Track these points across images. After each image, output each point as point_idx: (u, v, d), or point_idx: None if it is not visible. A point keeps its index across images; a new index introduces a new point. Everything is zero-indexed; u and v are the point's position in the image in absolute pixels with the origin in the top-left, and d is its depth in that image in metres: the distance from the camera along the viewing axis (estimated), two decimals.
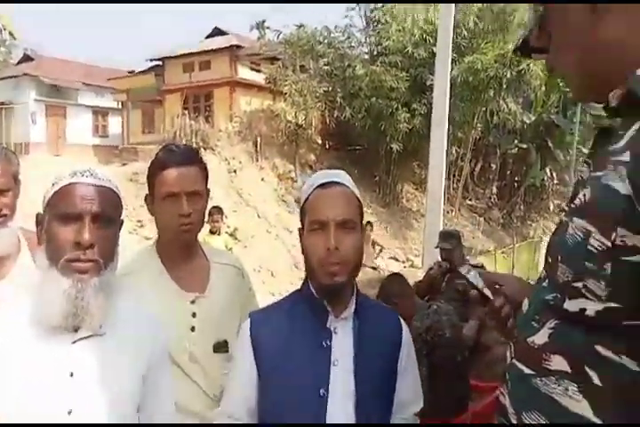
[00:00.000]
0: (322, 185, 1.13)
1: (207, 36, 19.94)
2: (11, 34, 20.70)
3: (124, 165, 14.49)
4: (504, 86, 13.92)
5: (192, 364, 1.40)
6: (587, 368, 0.77)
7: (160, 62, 19.55)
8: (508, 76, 13.37)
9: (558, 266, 0.81)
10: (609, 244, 0.73)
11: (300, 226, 1.19)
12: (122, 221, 1.13)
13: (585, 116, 15.86)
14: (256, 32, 16.85)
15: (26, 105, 20.93)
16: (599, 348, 0.76)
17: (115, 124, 23.04)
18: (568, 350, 0.79)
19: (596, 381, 0.76)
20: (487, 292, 1.05)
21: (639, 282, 0.71)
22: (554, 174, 17.65)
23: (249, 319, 1.19)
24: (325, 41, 15.27)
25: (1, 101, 20.93)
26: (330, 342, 1.12)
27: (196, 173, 1.45)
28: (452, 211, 15.10)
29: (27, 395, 0.97)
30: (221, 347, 1.45)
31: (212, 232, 5.62)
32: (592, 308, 0.76)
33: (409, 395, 1.22)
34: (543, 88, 15.43)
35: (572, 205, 0.84)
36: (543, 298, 0.86)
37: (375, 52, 15.49)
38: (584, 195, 0.80)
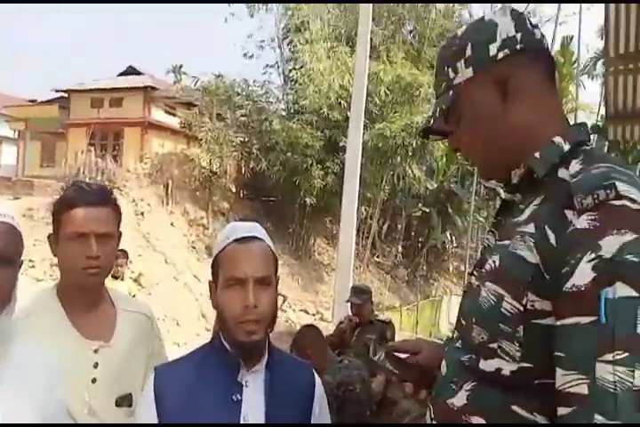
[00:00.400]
0: (239, 239, 1.10)
1: (120, 74, 19.66)
2: None
3: (16, 198, 13.37)
4: (410, 154, 14.90)
5: (90, 418, 1.28)
6: None
7: (66, 94, 18.81)
8: (414, 144, 14.39)
9: (473, 328, 0.85)
10: (521, 308, 0.78)
11: (210, 278, 1.15)
12: (21, 262, 1.06)
13: (480, 187, 17.46)
14: (172, 76, 16.95)
15: None
16: (515, 407, 0.79)
17: (9, 154, 21.42)
18: (486, 412, 0.82)
19: None
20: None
21: (548, 343, 0.76)
22: (453, 238, 18.97)
23: (153, 374, 1.12)
24: (244, 93, 15.59)
25: None
26: (240, 395, 1.08)
27: (108, 215, 1.37)
28: (360, 266, 15.48)
29: None
30: (124, 401, 1.33)
31: (114, 277, 5.26)
32: (507, 368, 0.79)
33: None
34: (444, 159, 16.85)
35: (483, 270, 0.90)
36: (459, 359, 0.89)
37: (292, 110, 16.08)
38: (494, 261, 0.86)
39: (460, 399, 0.86)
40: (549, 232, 0.78)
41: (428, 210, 17.25)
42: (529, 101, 0.89)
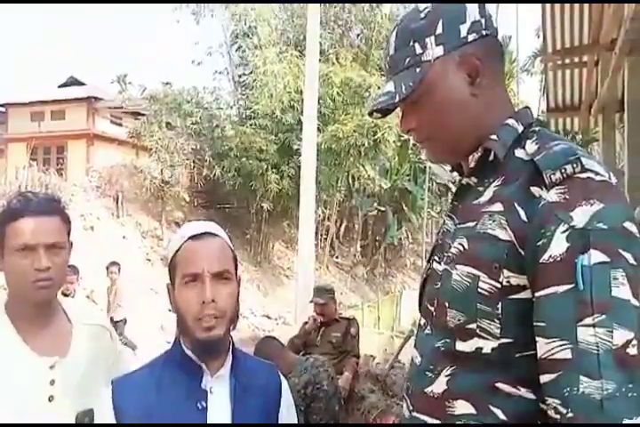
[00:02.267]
0: (194, 236, 1.07)
1: (61, 85, 19.00)
2: None
3: None
4: (362, 154, 15.10)
5: None
6: (490, 406, 0.80)
7: (2, 109, 18.01)
8: (366, 144, 14.60)
9: (447, 311, 0.85)
10: (498, 285, 0.80)
11: (167, 282, 1.11)
12: None
13: (432, 184, 17.88)
14: (117, 85, 16.54)
15: None
16: (499, 384, 0.80)
17: None
18: (470, 393, 0.82)
19: (502, 416, 0.80)
20: None
21: (526, 316, 0.78)
22: (409, 234, 19.34)
23: (110, 386, 1.07)
24: (193, 100, 15.35)
25: None
26: (205, 403, 1.04)
27: (56, 224, 1.30)
28: (320, 268, 15.52)
29: None
30: (85, 417, 1.26)
31: (64, 295, 5.06)
32: (487, 346, 0.81)
33: None
34: (396, 157, 17.17)
35: (448, 255, 0.90)
36: (432, 346, 0.89)
37: (244, 115, 15.99)
38: (460, 244, 0.87)
39: (439, 386, 0.86)
40: (519, 209, 0.80)
41: (383, 209, 17.53)
42: (490, 86, 0.91)
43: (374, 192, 17.07)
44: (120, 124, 16.82)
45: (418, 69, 0.90)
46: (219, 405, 1.05)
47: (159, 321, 10.31)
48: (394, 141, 15.58)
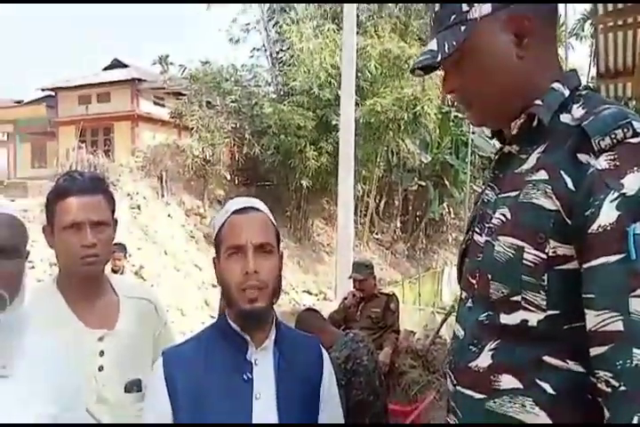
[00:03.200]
0: (237, 211, 1.11)
1: (105, 68, 19.41)
2: None
3: (11, 201, 13.33)
4: (402, 128, 14.80)
5: (100, 406, 1.29)
6: (538, 380, 0.78)
7: (52, 93, 18.60)
8: (406, 118, 14.28)
9: (490, 284, 0.83)
10: (544, 256, 0.77)
11: (214, 256, 1.15)
12: (28, 252, 1.05)
13: (474, 157, 17.39)
14: (158, 66, 16.73)
15: None
16: (546, 358, 0.78)
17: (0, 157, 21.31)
18: (516, 367, 0.80)
19: (550, 390, 0.77)
20: None
21: (573, 287, 0.76)
22: (451, 210, 19.00)
23: (161, 357, 1.12)
24: (232, 78, 15.40)
25: None
26: (251, 374, 1.07)
27: (101, 202, 1.35)
28: (360, 244, 15.54)
29: None
30: (133, 386, 1.34)
31: (114, 271, 5.24)
32: (534, 318, 0.78)
33: (332, 415, 1.20)
34: (437, 131, 16.76)
35: (490, 225, 0.87)
36: (475, 319, 0.87)
37: (282, 92, 15.93)
38: (502, 214, 0.85)
39: (484, 360, 0.84)
40: (565, 177, 0.77)
41: (424, 183, 17.21)
42: (539, 47, 0.87)
43: (414, 167, 16.75)
44: (163, 105, 17.11)
45: (463, 28, 0.86)
46: (263, 376, 1.09)
47: (203, 296, 10.66)
48: (435, 114, 15.17)
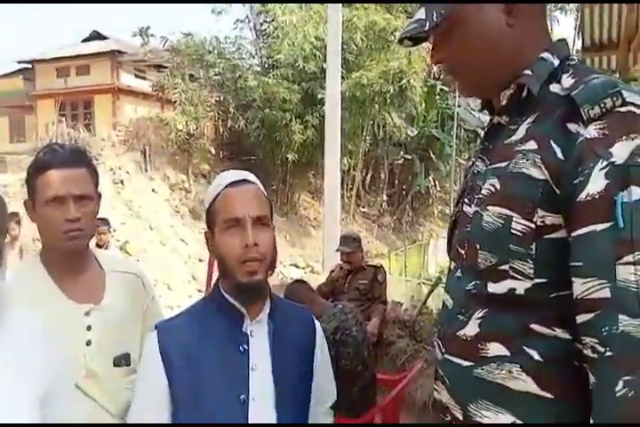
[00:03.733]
0: (232, 184, 1.10)
1: (84, 40, 18.80)
2: None
3: None
4: (388, 101, 14.68)
5: (89, 380, 1.28)
6: (525, 348, 0.80)
7: (29, 65, 18.02)
8: (392, 91, 14.15)
9: (478, 253, 0.84)
10: (532, 225, 0.78)
11: (206, 230, 1.15)
12: (7, 228, 1.02)
13: (460, 130, 17.39)
14: (139, 38, 16.24)
15: None
16: (533, 325, 0.79)
17: None
18: (503, 335, 0.81)
19: (537, 357, 0.79)
20: None
21: (559, 256, 0.76)
22: (436, 183, 19.10)
23: (155, 331, 1.11)
24: (215, 51, 15.03)
25: None
26: (247, 346, 1.09)
27: (83, 175, 1.31)
28: (346, 218, 15.61)
29: None
30: (122, 360, 1.33)
31: (98, 246, 5.17)
32: (521, 287, 0.80)
33: (325, 390, 1.23)
34: (423, 104, 16.65)
35: (479, 196, 0.87)
36: (463, 289, 0.88)
37: (266, 65, 15.61)
38: (492, 185, 0.85)
39: (471, 329, 0.86)
40: (555, 146, 0.77)
41: (410, 157, 17.24)
42: (528, 16, 0.86)
43: (400, 140, 16.71)
44: (144, 78, 16.70)
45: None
46: (259, 348, 1.10)
47: (190, 271, 10.68)
48: (421, 87, 15.06)
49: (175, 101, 13.85)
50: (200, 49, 14.72)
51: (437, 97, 17.11)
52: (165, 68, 14.72)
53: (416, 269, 12.16)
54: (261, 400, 1.07)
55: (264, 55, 15.81)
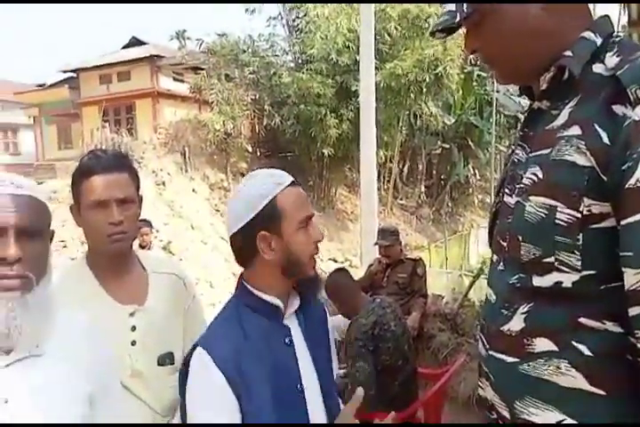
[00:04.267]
0: (292, 183, 1.15)
1: (124, 47, 19.32)
2: None
3: (40, 183, 13.62)
4: (424, 90, 14.42)
5: (135, 379, 1.33)
6: (574, 342, 0.77)
7: (74, 74, 18.69)
8: (427, 80, 13.90)
9: (520, 246, 0.81)
10: (578, 215, 0.75)
11: (262, 229, 1.12)
12: (52, 232, 1.06)
13: (500, 116, 16.90)
14: (176, 42, 16.55)
15: None
16: (582, 319, 0.76)
17: (27, 140, 21.74)
18: (550, 330, 0.79)
19: (587, 352, 0.76)
20: None
21: (609, 246, 0.73)
22: (476, 171, 18.68)
23: (199, 348, 1.06)
24: (249, 49, 15.20)
25: None
26: (290, 337, 1.12)
27: (125, 179, 1.36)
28: (384, 210, 15.50)
29: None
30: (166, 359, 1.38)
31: (142, 247, 5.29)
32: (568, 280, 0.76)
33: (336, 367, 1.28)
34: (460, 91, 16.28)
35: (520, 186, 0.84)
36: (506, 282, 0.85)
37: (300, 60, 15.63)
38: (534, 174, 0.81)
39: (516, 324, 0.83)
40: (600, 131, 0.73)
41: (448, 146, 16.90)
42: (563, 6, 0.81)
43: (437, 129, 16.40)
44: (182, 81, 17.03)
45: None
46: (298, 339, 1.13)
47: (230, 268, 10.84)
48: (457, 74, 14.72)
49: (212, 102, 14.07)
50: (235, 49, 14.90)
51: (475, 83, 16.68)
52: (202, 69, 14.97)
53: (457, 260, 11.94)
54: (311, 389, 1.11)
55: (297, 51, 15.84)
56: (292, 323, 1.14)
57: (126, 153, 1.53)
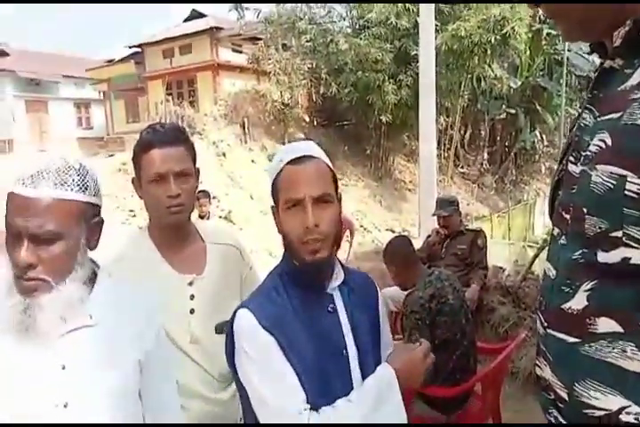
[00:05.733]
0: (292, 161, 1.08)
1: (185, 20, 19.53)
2: None
3: (110, 156, 14.31)
4: (488, 52, 13.71)
5: (193, 346, 1.39)
6: None
7: (139, 49, 19.18)
8: (492, 41, 13.18)
9: (585, 218, 0.75)
10: None
11: (272, 205, 1.14)
12: (98, 221, 1.05)
13: (570, 77, 15.79)
14: (234, 13, 16.53)
15: (4, 102, 20.56)
16: None
17: (98, 115, 22.77)
18: (615, 310, 0.74)
19: None
20: None
21: None
22: (543, 137, 17.71)
23: (245, 309, 1.08)
24: (306, 17, 14.97)
25: None
26: (334, 305, 1.13)
27: (182, 153, 1.39)
28: (444, 179, 15.11)
29: (18, 392, 0.96)
30: (223, 327, 1.39)
31: (200, 217, 5.45)
32: (637, 256, 0.71)
33: (388, 343, 1.27)
34: (528, 52, 15.30)
35: (586, 153, 0.78)
36: (568, 258, 0.80)
37: (357, 26, 15.23)
38: (601, 140, 0.75)
39: (578, 302, 0.78)
40: None
41: (513, 111, 16.03)
42: None
43: (502, 93, 15.56)
44: (240, 52, 17.09)
45: None
46: (340, 309, 1.14)
47: None
48: (525, 33, 13.79)
49: (270, 72, 14.05)
50: (291, 17, 14.71)
51: (544, 42, 15.60)
52: (260, 39, 14.93)
53: (521, 231, 11.50)
54: (352, 354, 1.13)
55: (355, 16, 15.42)
56: (335, 293, 1.15)
57: (183, 127, 1.57)
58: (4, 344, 0.97)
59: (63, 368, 0.98)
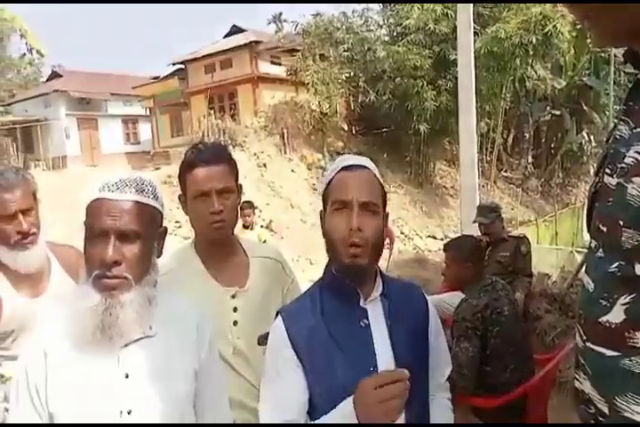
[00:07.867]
0: (346, 167, 1.13)
1: (225, 35, 20.06)
2: (38, 52, 21.43)
3: (156, 169, 14.81)
4: (530, 53, 13.40)
5: (236, 357, 1.43)
6: None
7: (182, 65, 19.83)
8: (534, 41, 12.87)
9: (622, 231, 0.75)
10: None
11: (321, 210, 1.19)
12: (164, 230, 1.13)
13: (619, 75, 15.20)
14: (273, 26, 16.86)
15: (58, 120, 21.66)
16: None
17: (145, 130, 23.57)
18: None
19: None
20: None
21: None
22: (591, 137, 17.05)
23: (280, 317, 1.15)
24: (343, 26, 15.09)
25: (36, 119, 21.72)
26: (367, 320, 1.13)
27: (224, 171, 1.45)
28: (487, 184, 14.80)
29: (83, 400, 1.00)
30: (265, 339, 1.40)
31: (245, 227, 5.66)
32: None
33: (442, 362, 1.25)
34: (572, 51, 14.86)
35: (622, 165, 0.77)
36: (606, 271, 0.80)
37: (395, 33, 15.22)
38: (638, 152, 0.74)
39: (616, 315, 0.78)
40: None
41: (558, 112, 15.57)
42: None
43: (546, 94, 15.17)
44: (279, 64, 17.38)
45: None
46: (376, 322, 1.14)
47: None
48: (568, 32, 13.39)
49: (308, 83, 14.22)
50: (329, 27, 14.88)
51: (589, 40, 15.10)
52: (298, 51, 15.15)
53: (568, 236, 11.05)
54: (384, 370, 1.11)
55: (392, 24, 15.42)
56: (373, 307, 1.15)
57: (226, 145, 1.64)
58: (73, 354, 1.03)
59: (127, 377, 1.04)
